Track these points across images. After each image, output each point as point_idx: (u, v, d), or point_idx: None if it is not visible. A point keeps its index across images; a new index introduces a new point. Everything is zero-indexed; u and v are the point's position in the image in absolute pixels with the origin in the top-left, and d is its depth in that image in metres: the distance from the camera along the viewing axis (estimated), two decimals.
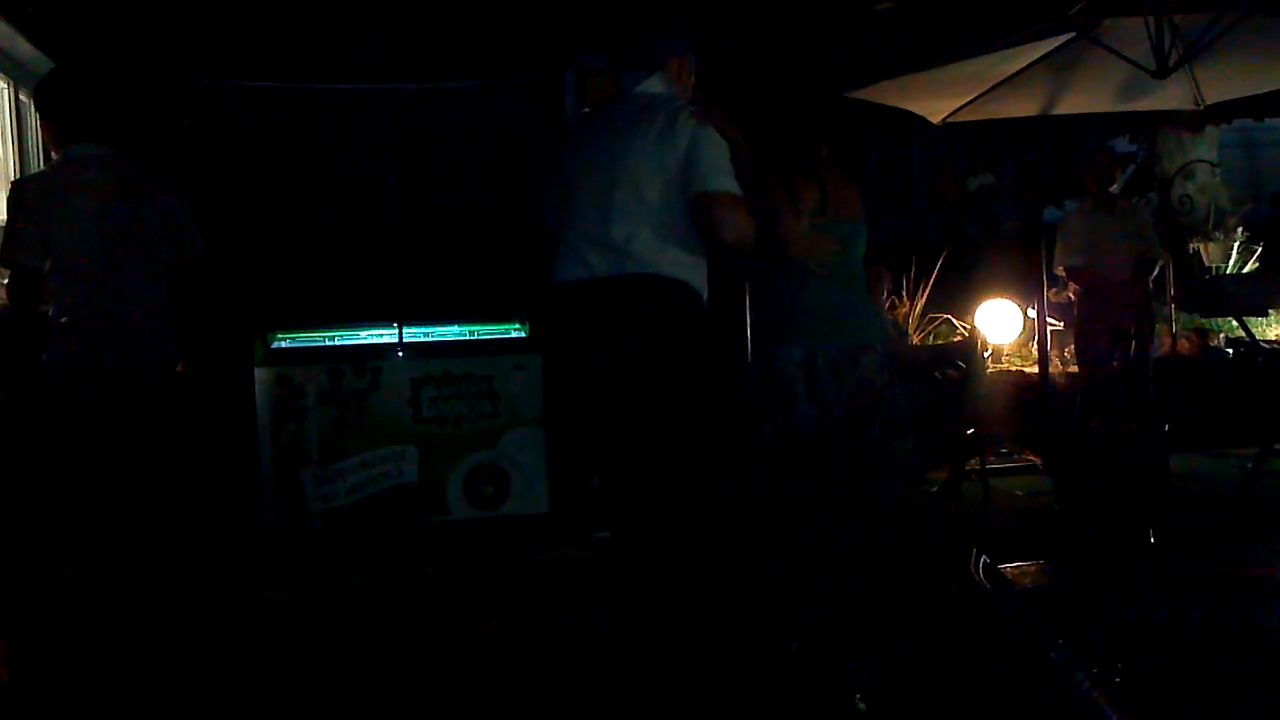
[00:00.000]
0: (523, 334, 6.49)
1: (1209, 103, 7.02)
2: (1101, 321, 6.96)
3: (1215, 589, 4.70)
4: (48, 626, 4.17)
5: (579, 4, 7.08)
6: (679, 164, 3.44)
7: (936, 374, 6.83)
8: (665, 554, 3.49)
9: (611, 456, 3.59)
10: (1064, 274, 7.35)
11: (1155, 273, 7.22)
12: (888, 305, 7.27)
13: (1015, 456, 7.32)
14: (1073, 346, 7.56)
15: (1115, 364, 6.74)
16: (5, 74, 5.60)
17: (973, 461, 6.37)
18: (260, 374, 6.08)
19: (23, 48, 5.47)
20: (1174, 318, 8.00)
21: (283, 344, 6.23)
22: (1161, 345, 7.57)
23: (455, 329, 6.51)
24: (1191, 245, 9.26)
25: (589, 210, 3.50)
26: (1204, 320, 8.50)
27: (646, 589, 3.52)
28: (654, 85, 3.69)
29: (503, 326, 6.54)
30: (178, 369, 4.30)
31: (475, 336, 6.51)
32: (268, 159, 7.09)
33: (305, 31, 7.00)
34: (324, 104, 7.22)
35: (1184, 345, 8.41)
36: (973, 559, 4.94)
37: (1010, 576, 4.84)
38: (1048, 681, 3.69)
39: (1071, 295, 7.37)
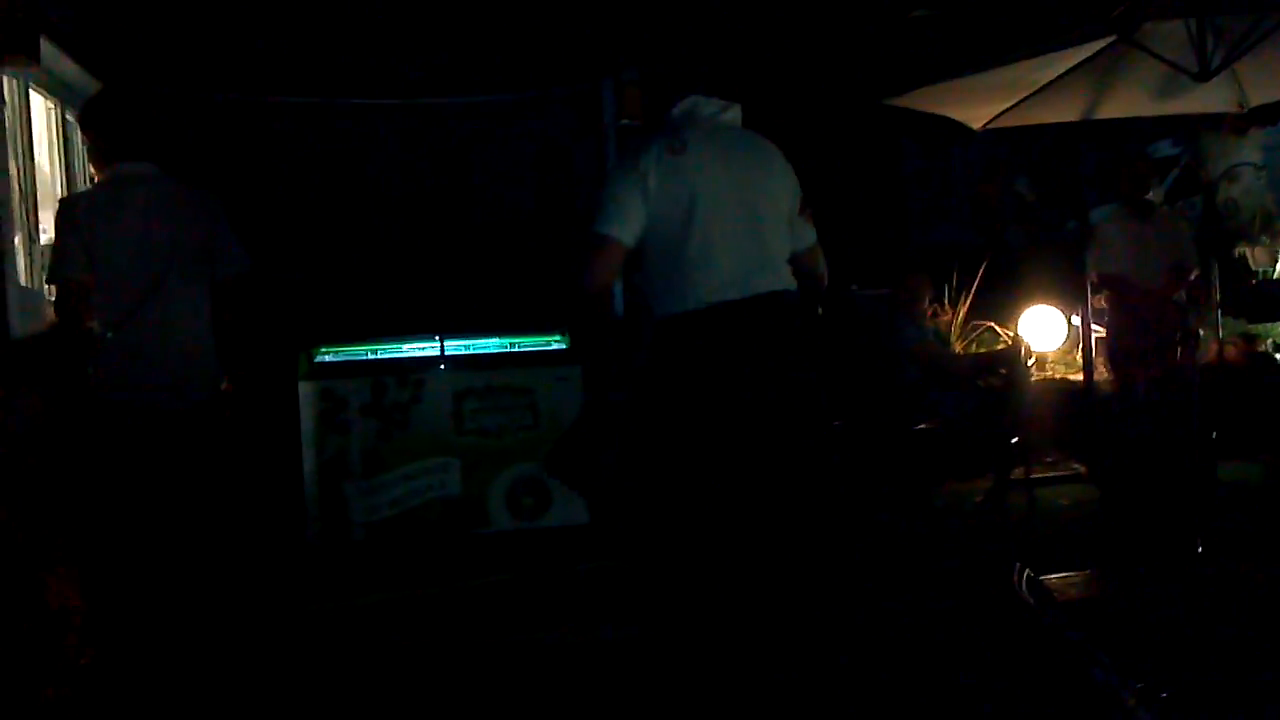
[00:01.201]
0: (563, 345, 6.51)
1: (1253, 105, 6.94)
2: (1135, 330, 6.88)
3: (1265, 599, 4.64)
4: (89, 639, 4.22)
5: (616, 18, 7.11)
6: (795, 202, 3.69)
7: (979, 382, 6.79)
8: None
9: (735, 470, 3.51)
10: (1097, 281, 7.28)
11: (1192, 279, 7.13)
12: (930, 313, 7.23)
13: (1060, 465, 7.26)
14: (1106, 356, 7.48)
15: (1152, 372, 6.66)
16: (52, 94, 5.68)
17: (1017, 470, 6.33)
18: (304, 388, 6.13)
19: (69, 69, 5.54)
20: (1219, 324, 7.90)
21: (326, 358, 6.28)
22: (1208, 352, 7.48)
23: (496, 341, 6.54)
24: (1237, 250, 9.15)
25: (735, 231, 3.54)
26: (1251, 326, 8.39)
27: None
28: (738, 115, 3.75)
29: (543, 338, 6.57)
30: (222, 385, 4.34)
31: (516, 349, 6.54)
32: (309, 174, 7.14)
33: (346, 48, 7.06)
34: (365, 119, 7.27)
35: (1230, 351, 8.31)
36: (1016, 570, 4.90)
37: (1054, 588, 4.80)
38: (1092, 698, 3.65)
39: (1104, 302, 7.28)
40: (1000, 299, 8.46)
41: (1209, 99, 6.73)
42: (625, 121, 6.93)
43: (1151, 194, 7.27)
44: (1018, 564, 4.99)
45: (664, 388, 3.52)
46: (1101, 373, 7.46)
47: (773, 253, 3.56)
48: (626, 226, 3.51)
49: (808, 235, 3.74)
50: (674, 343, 3.50)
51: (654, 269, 3.54)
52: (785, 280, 3.56)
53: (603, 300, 3.61)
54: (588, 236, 3.57)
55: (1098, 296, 7.36)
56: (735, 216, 3.53)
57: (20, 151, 5.21)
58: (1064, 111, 7.00)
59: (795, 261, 3.68)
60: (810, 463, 3.52)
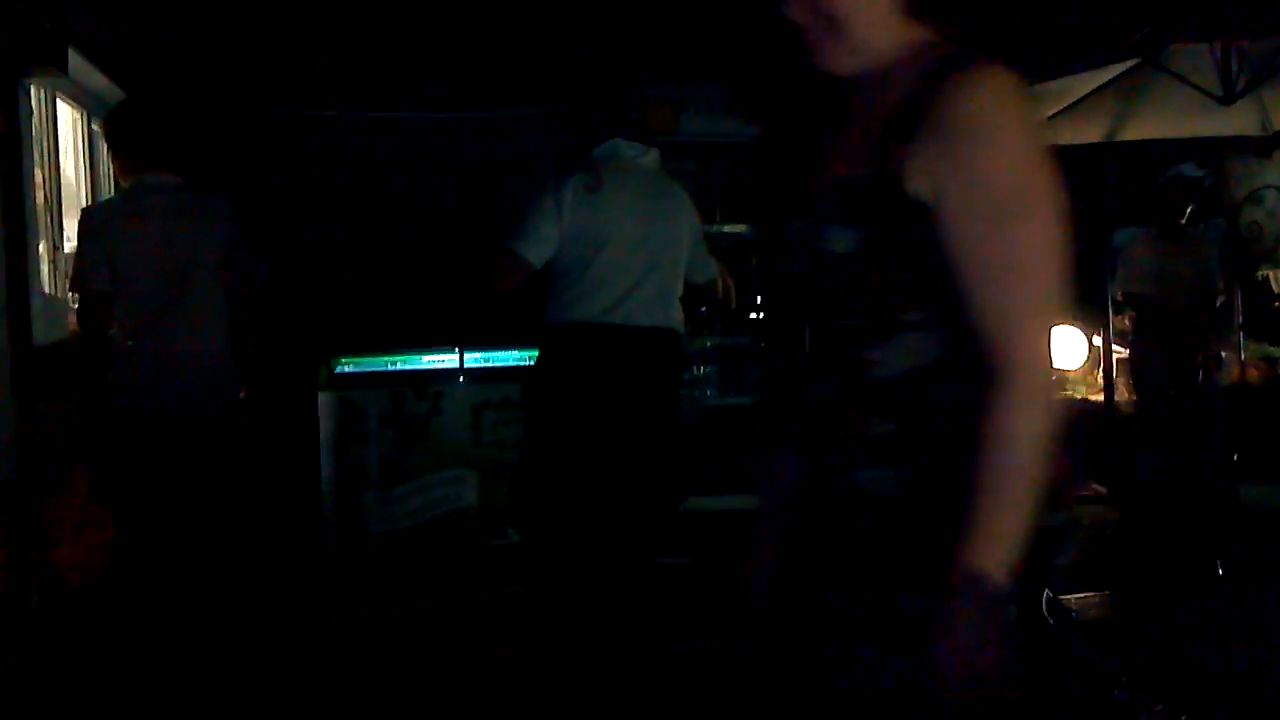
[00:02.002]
0: None
1: (1278, 128, 6.93)
2: (1161, 352, 6.85)
3: None
4: (111, 642, 4.23)
5: (638, 33, 7.11)
6: (697, 241, 4.34)
7: None
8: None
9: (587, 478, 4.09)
10: (1123, 299, 7.25)
11: (1216, 305, 7.10)
12: None
13: (1080, 486, 7.22)
14: (1130, 377, 7.44)
15: (1172, 393, 6.62)
16: (78, 104, 5.71)
17: None
18: (324, 398, 6.14)
19: (95, 79, 5.57)
20: (1242, 346, 7.86)
21: (346, 369, 6.30)
22: (1230, 374, 7.44)
23: (515, 354, 6.54)
24: (1259, 272, 9.11)
25: (632, 267, 4.08)
26: (1273, 348, 8.34)
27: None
28: (656, 160, 4.34)
29: None
30: (240, 394, 4.36)
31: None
32: (331, 186, 7.16)
33: (369, 61, 7.08)
34: (388, 132, 7.29)
35: (1253, 374, 8.26)
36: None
37: (1074, 609, 4.77)
38: (1112, 719, 3.63)
39: (1128, 322, 7.25)
40: None
41: (1232, 122, 6.73)
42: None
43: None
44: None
45: (543, 383, 4.16)
46: (1123, 394, 7.42)
47: (665, 290, 4.15)
48: (537, 250, 4.08)
49: (707, 269, 4.42)
50: (556, 347, 4.13)
51: (556, 285, 4.09)
52: (669, 319, 4.16)
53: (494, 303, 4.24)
54: (502, 250, 4.13)
55: (1121, 317, 7.33)
56: (634, 255, 4.08)
57: (46, 160, 5.24)
58: (1087, 133, 6.99)
59: (701, 290, 4.43)
60: (640, 474, 4.09)
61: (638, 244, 4.10)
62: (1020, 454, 1.61)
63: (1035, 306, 1.64)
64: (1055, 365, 1.66)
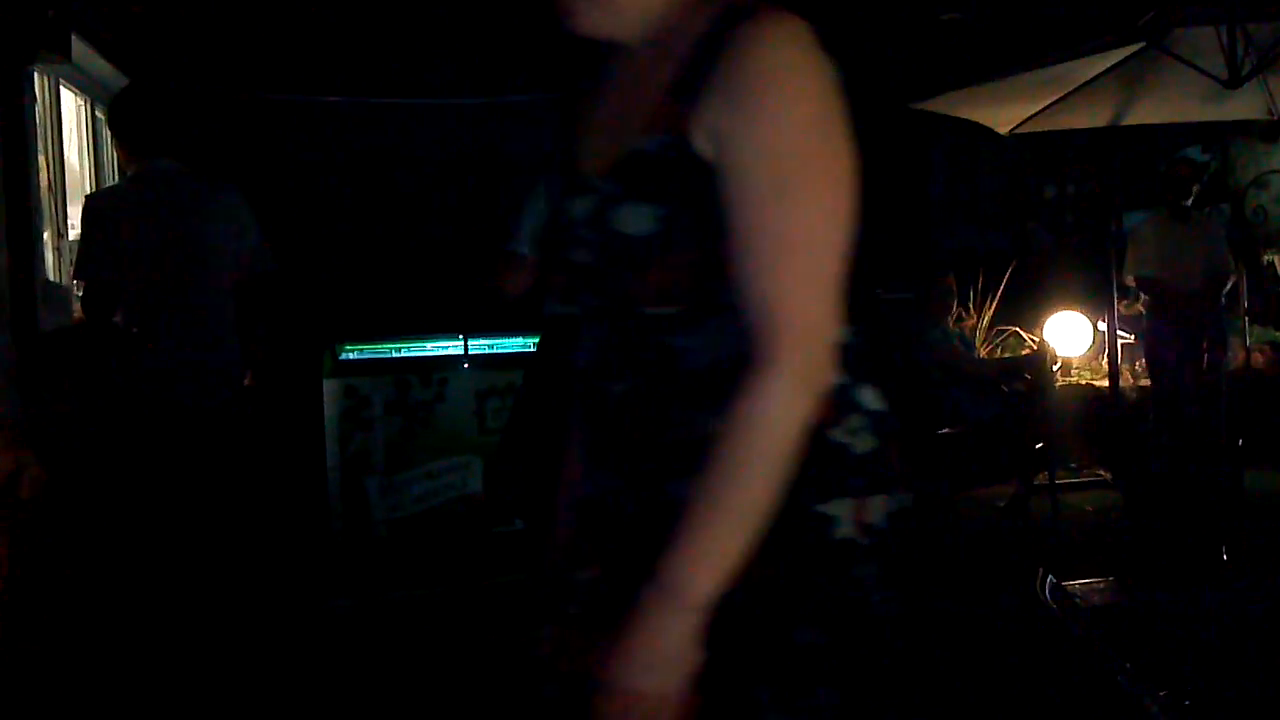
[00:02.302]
0: None
1: None
2: (1172, 334, 6.86)
3: None
4: (114, 632, 4.24)
5: None
6: None
7: (1004, 387, 6.76)
8: None
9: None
10: (1134, 284, 7.25)
11: (1228, 287, 7.09)
12: (954, 317, 7.20)
13: (1085, 471, 7.22)
14: (1144, 359, 7.45)
15: (1186, 379, 6.63)
16: (82, 90, 5.72)
17: (1041, 476, 6.30)
18: (328, 385, 6.15)
19: (99, 65, 5.58)
20: (1247, 331, 7.86)
21: (351, 356, 6.30)
22: (1235, 359, 7.43)
23: (520, 341, 6.55)
24: (1265, 257, 9.10)
25: None
26: (1279, 334, 8.33)
27: None
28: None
29: None
30: (246, 382, 4.36)
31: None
32: (336, 172, 7.16)
33: (375, 47, 7.08)
34: (393, 118, 7.29)
35: (1258, 359, 8.25)
36: (1039, 576, 4.87)
37: (1078, 594, 4.77)
38: (1116, 705, 3.63)
39: (1142, 307, 7.27)
40: (1025, 303, 8.42)
41: (1239, 106, 6.70)
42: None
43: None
44: (1041, 569, 4.96)
45: (541, 371, 4.24)
46: (1128, 378, 7.43)
47: None
48: (536, 245, 4.16)
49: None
50: (554, 336, 4.19)
51: None
52: None
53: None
54: (504, 255, 4.19)
55: (1131, 301, 7.33)
56: None
57: (50, 147, 5.25)
58: (1092, 117, 6.97)
59: None
60: None
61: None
62: (766, 444, 1.41)
63: (808, 283, 1.45)
64: (829, 352, 1.46)
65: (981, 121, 7.14)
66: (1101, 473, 7.17)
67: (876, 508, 1.55)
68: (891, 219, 9.30)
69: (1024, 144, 8.31)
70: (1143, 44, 6.06)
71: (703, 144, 1.46)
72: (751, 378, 1.42)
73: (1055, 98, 6.78)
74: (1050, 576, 4.84)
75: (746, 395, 1.42)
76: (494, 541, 6.16)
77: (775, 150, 1.44)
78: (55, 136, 5.32)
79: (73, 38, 4.85)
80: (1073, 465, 7.16)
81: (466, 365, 6.32)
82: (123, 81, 5.55)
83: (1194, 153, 9.88)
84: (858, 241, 1.49)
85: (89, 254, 4.20)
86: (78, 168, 5.85)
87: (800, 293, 1.45)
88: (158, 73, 5.80)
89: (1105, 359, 7.38)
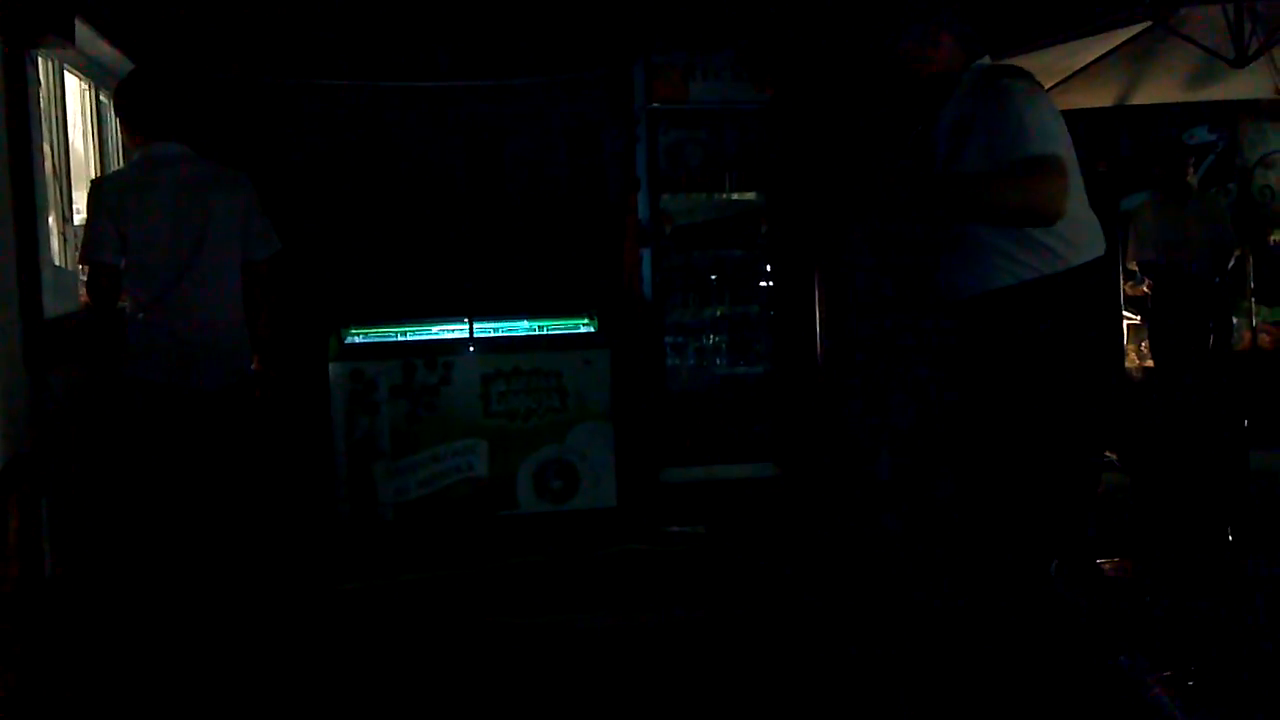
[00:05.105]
0: (592, 329, 6.52)
1: None
2: (1177, 315, 6.84)
3: None
4: (122, 617, 4.26)
5: (647, 1, 7.08)
6: None
7: None
8: None
9: None
10: (1137, 268, 7.24)
11: (1231, 264, 7.07)
12: None
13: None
14: (1147, 342, 7.43)
15: (1191, 360, 6.62)
16: (86, 75, 5.71)
17: None
18: (335, 369, 6.17)
19: (103, 50, 5.56)
20: (1254, 311, 7.84)
21: (357, 339, 6.32)
22: (1241, 339, 7.41)
23: (525, 324, 6.56)
24: (1272, 236, 9.06)
25: None
26: None
27: None
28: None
29: (572, 321, 6.58)
30: (253, 365, 4.37)
31: (545, 331, 6.55)
32: (340, 156, 7.16)
33: (378, 30, 7.06)
34: (396, 101, 7.27)
35: (1264, 339, 8.23)
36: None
37: (1084, 574, 4.78)
38: (1118, 685, 3.64)
39: (1147, 289, 7.26)
40: None
41: (1246, 85, 6.67)
42: (656, 105, 6.92)
43: (1191, 179, 7.23)
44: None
45: None
46: (1133, 359, 7.41)
47: None
48: None
49: None
50: None
51: None
52: None
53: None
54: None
55: (1135, 284, 7.31)
56: None
57: (54, 132, 5.24)
58: (1099, 96, 6.94)
59: None
60: None
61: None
62: None
63: None
64: None
65: None
66: (1108, 454, 7.16)
67: None
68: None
69: None
70: (1149, 23, 6.03)
71: None
72: None
73: (1061, 77, 6.75)
74: (1054, 560, 4.85)
75: None
76: (499, 524, 6.18)
77: None
78: (59, 121, 5.32)
79: (76, 22, 4.84)
80: None
81: (472, 349, 6.33)
82: (127, 66, 5.54)
83: (1201, 132, 9.84)
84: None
85: (94, 239, 4.20)
86: (82, 152, 5.84)
87: None
88: (162, 57, 5.79)
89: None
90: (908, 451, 3.94)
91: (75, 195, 5.40)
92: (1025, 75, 3.27)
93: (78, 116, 5.79)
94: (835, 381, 4.17)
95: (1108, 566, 5.00)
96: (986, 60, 3.41)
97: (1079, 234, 3.19)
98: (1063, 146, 3.12)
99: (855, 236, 3.88)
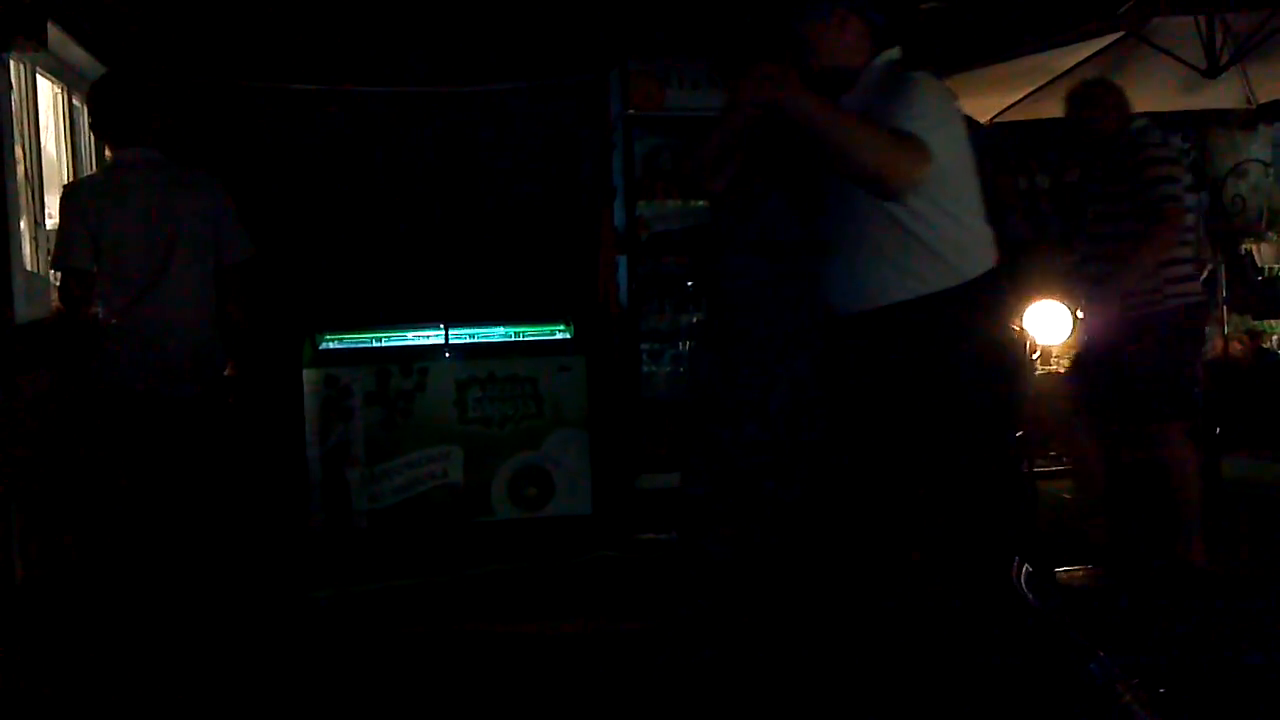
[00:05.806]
0: (567, 335, 6.52)
1: (1262, 101, 6.93)
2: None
3: (1265, 596, 4.64)
4: (92, 624, 4.23)
5: (623, 8, 7.09)
6: None
7: None
8: None
9: None
10: None
11: (1204, 275, 7.11)
12: None
13: (1063, 459, 7.24)
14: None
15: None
16: (58, 79, 5.68)
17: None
18: (309, 375, 6.15)
19: (76, 53, 5.54)
20: (1225, 320, 7.90)
21: (331, 345, 6.30)
22: (1213, 348, 7.46)
23: (500, 330, 6.55)
24: (1244, 246, 9.13)
25: None
26: (1256, 322, 8.37)
27: None
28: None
29: (548, 328, 6.58)
30: (226, 371, 4.35)
31: (520, 338, 6.54)
32: (314, 162, 7.14)
33: (352, 35, 7.05)
34: (370, 107, 7.26)
35: (1236, 348, 8.29)
36: (1015, 564, 4.88)
37: (1056, 583, 4.79)
38: (1089, 694, 3.65)
39: None
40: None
41: (1217, 95, 6.73)
42: (632, 111, 6.92)
43: None
44: (1018, 558, 4.97)
45: None
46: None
47: None
48: None
49: None
50: None
51: None
52: None
53: None
54: None
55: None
56: None
57: (26, 136, 5.22)
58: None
59: None
60: None
61: None
62: None
63: None
64: None
65: (962, 110, 7.15)
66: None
67: None
68: None
69: (1003, 133, 8.33)
70: (1122, 33, 6.08)
71: None
72: None
73: (1036, 86, 6.80)
74: (1027, 565, 4.86)
75: None
76: (474, 531, 6.16)
77: None
78: (32, 125, 5.29)
79: (49, 25, 4.82)
80: (1052, 453, 7.18)
81: (447, 355, 6.32)
82: (100, 70, 5.52)
83: (1174, 141, 9.90)
84: None
85: (66, 245, 4.18)
86: (55, 157, 5.81)
87: None
88: (135, 61, 5.77)
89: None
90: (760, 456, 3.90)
91: (47, 200, 5.37)
92: (932, 74, 3.20)
93: (50, 120, 5.76)
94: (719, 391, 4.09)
95: (1078, 573, 5.02)
96: (895, 54, 3.26)
97: (971, 244, 3.14)
98: (940, 141, 3.03)
99: (739, 239, 3.84)
